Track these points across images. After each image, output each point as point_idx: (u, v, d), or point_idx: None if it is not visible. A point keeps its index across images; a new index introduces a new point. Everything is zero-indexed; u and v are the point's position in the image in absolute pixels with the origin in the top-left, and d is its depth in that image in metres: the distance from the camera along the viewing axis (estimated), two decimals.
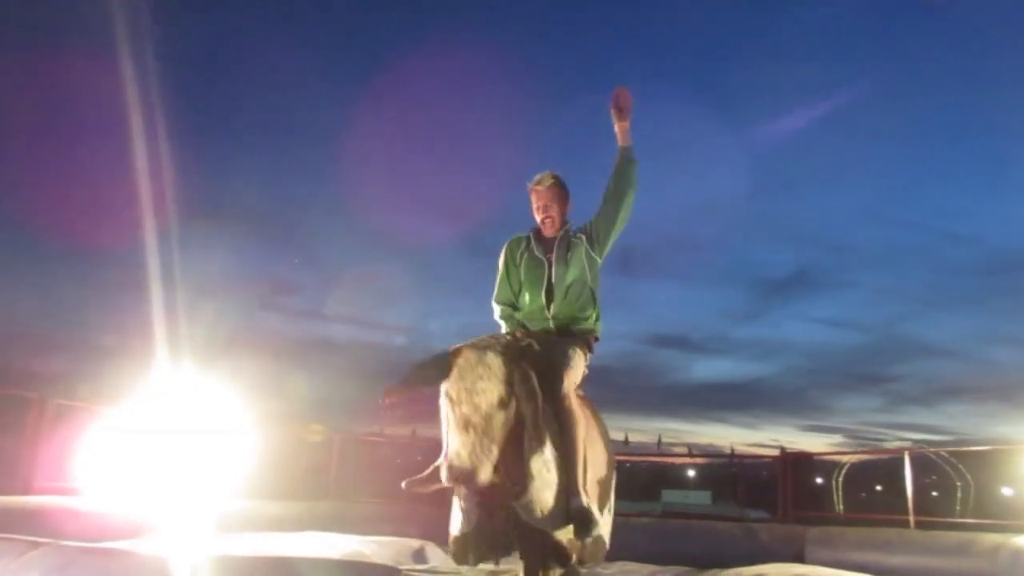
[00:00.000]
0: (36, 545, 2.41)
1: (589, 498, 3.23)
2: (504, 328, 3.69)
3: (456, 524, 3.24)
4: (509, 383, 2.80)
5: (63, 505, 5.12)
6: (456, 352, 2.86)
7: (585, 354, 3.53)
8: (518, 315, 3.67)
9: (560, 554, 3.32)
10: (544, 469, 3.08)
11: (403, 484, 3.09)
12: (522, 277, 3.65)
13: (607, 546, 3.63)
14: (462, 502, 3.17)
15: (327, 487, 8.02)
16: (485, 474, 2.66)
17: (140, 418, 5.90)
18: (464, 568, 4.67)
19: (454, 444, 2.70)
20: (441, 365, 2.86)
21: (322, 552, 4.73)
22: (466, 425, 2.71)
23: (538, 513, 3.07)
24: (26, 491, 5.46)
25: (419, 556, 5.40)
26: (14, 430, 5.91)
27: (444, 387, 2.83)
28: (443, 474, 2.70)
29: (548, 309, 3.55)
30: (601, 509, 3.47)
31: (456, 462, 2.64)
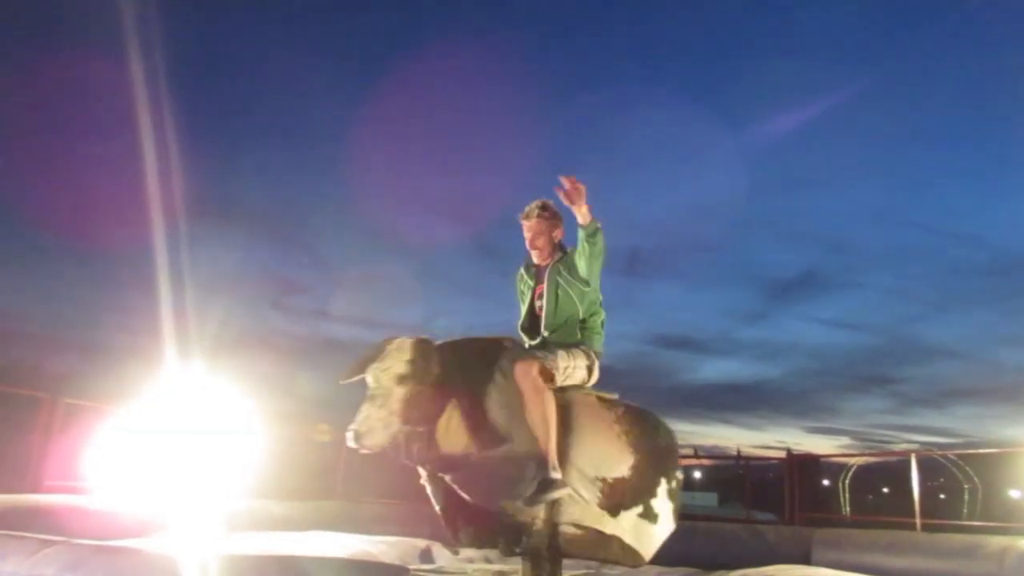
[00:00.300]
0: (48, 543, 2.44)
1: (571, 477, 3.40)
2: None
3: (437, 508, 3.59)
4: (411, 362, 3.18)
5: (73, 503, 5.15)
6: (388, 340, 3.28)
7: (580, 355, 3.66)
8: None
9: (514, 530, 3.46)
10: (486, 443, 3.32)
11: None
12: (524, 306, 3.94)
13: (640, 554, 3.73)
14: (427, 484, 3.55)
15: (335, 487, 8.04)
16: (376, 439, 3.07)
17: (149, 417, 5.94)
18: (470, 567, 4.70)
19: (359, 414, 3.10)
20: (375, 351, 3.26)
21: (330, 551, 4.75)
22: (370, 397, 3.15)
23: (473, 485, 3.38)
24: (37, 489, 5.50)
25: (426, 556, 5.42)
26: (25, 429, 5.96)
27: (368, 369, 3.23)
28: (347, 436, 3.08)
29: (530, 338, 3.82)
30: (618, 510, 3.59)
31: (353, 426, 3.07)
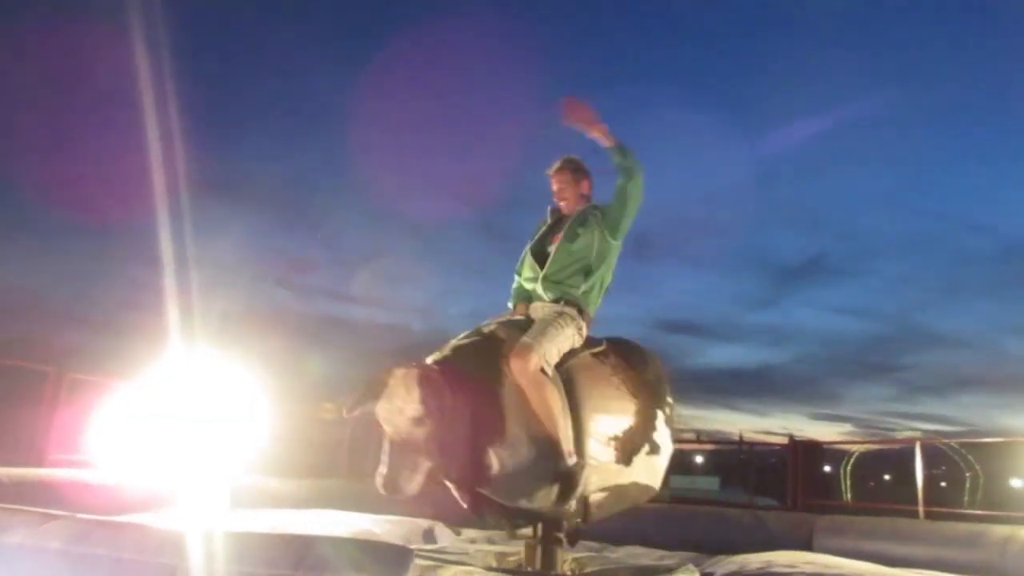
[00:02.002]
0: (52, 517, 2.44)
1: (587, 455, 3.44)
2: (512, 299, 3.96)
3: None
4: (422, 402, 3.03)
5: (78, 478, 5.18)
6: (388, 372, 3.13)
7: (568, 324, 3.59)
8: (523, 284, 3.90)
9: (551, 523, 3.46)
10: (508, 453, 3.26)
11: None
12: (531, 247, 3.90)
13: (652, 487, 3.89)
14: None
15: (339, 466, 8.07)
16: (410, 485, 3.00)
17: (154, 392, 5.95)
18: (472, 548, 4.71)
19: (383, 459, 3.04)
20: (377, 386, 3.13)
21: (333, 530, 4.77)
22: (389, 443, 3.05)
23: (510, 494, 3.33)
24: (41, 463, 5.52)
25: (428, 536, 5.44)
26: (30, 403, 5.97)
27: (376, 409, 3.12)
28: (377, 483, 3.03)
29: (540, 269, 3.75)
30: (630, 457, 3.66)
31: (380, 478, 3.01)
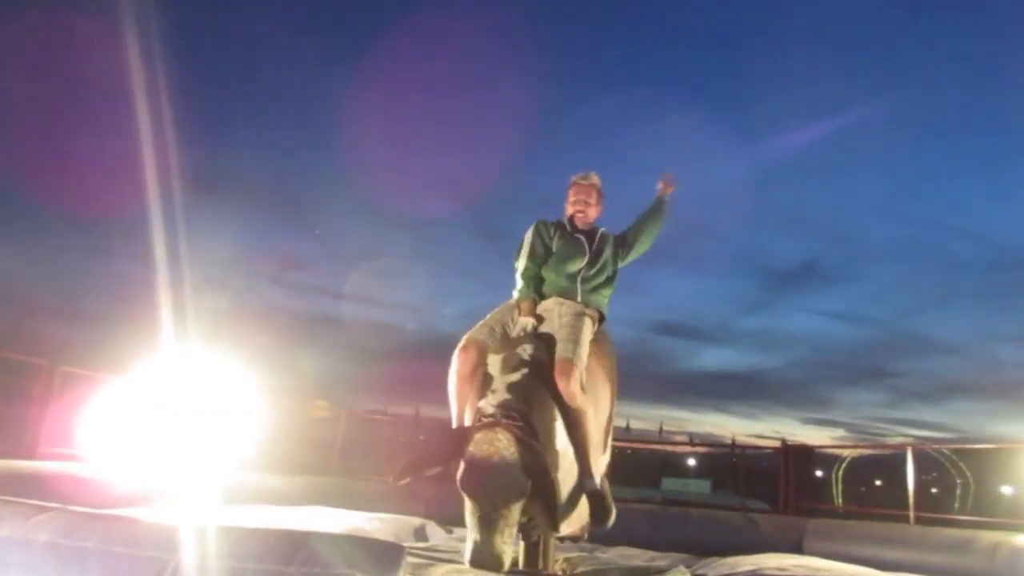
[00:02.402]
0: (43, 509, 2.43)
1: (596, 471, 3.39)
2: (522, 286, 3.72)
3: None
4: (526, 469, 2.77)
5: (69, 471, 5.16)
6: (466, 436, 2.85)
7: (590, 325, 3.61)
8: (544, 288, 3.74)
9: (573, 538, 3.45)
10: (565, 488, 3.20)
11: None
12: (555, 250, 3.79)
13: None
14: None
15: (331, 463, 8.07)
16: (505, 562, 2.71)
17: (147, 387, 5.94)
18: (463, 546, 4.71)
19: (476, 535, 2.73)
20: (453, 448, 2.86)
21: (325, 526, 4.77)
22: (487, 521, 2.73)
23: (564, 525, 3.24)
24: (33, 456, 5.51)
25: (420, 534, 5.44)
26: (22, 396, 5.96)
27: (458, 479, 2.82)
28: (467, 559, 2.74)
29: (586, 269, 3.75)
30: (608, 434, 3.75)
31: (479, 558, 2.69)
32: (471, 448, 2.79)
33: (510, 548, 2.76)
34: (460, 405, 3.35)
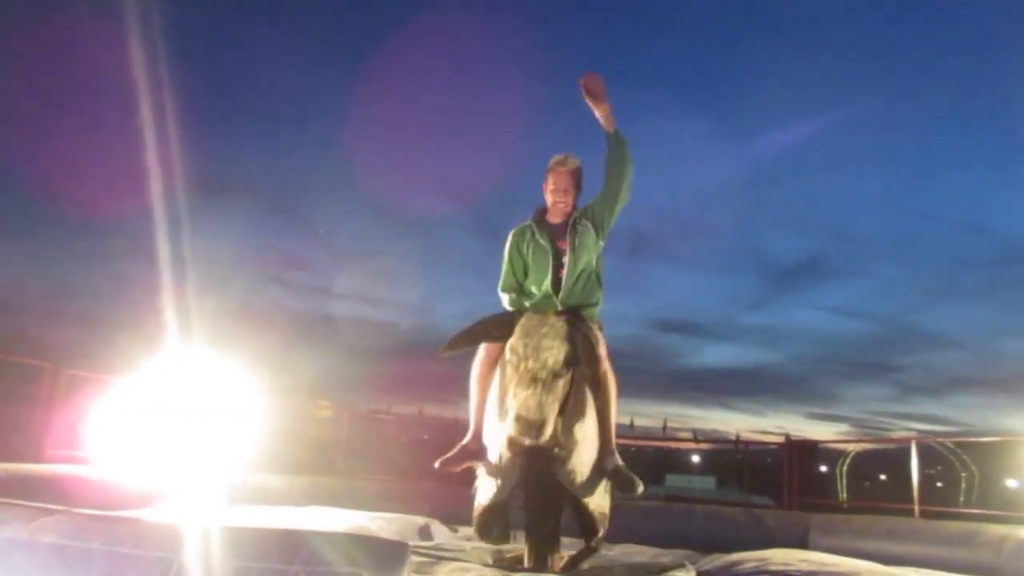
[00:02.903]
0: (48, 511, 2.44)
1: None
2: (505, 300, 3.68)
3: (485, 495, 3.32)
4: (573, 344, 2.90)
5: (74, 473, 5.18)
6: (518, 312, 3.05)
7: (595, 323, 3.58)
8: (526, 302, 3.60)
9: (589, 525, 3.39)
10: (585, 436, 3.18)
11: (436, 464, 3.33)
12: (529, 265, 3.57)
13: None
14: (495, 474, 3.27)
15: (335, 463, 8.08)
16: (549, 429, 2.79)
17: (151, 389, 5.95)
18: (468, 546, 4.72)
19: (522, 398, 2.81)
20: (506, 323, 3.01)
21: (329, 526, 4.77)
22: (533, 380, 2.82)
23: (577, 481, 3.18)
24: (38, 459, 5.52)
25: (424, 533, 5.44)
26: (27, 398, 5.97)
27: (510, 342, 2.94)
28: (512, 427, 2.82)
29: (556, 296, 3.49)
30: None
31: (526, 414, 2.76)
32: (523, 319, 3.02)
33: (552, 419, 2.83)
34: (480, 395, 3.43)
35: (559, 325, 2.92)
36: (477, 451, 3.44)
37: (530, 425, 2.74)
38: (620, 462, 3.31)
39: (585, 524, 3.40)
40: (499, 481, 3.21)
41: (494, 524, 3.48)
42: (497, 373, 3.34)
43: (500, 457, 3.21)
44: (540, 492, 3.19)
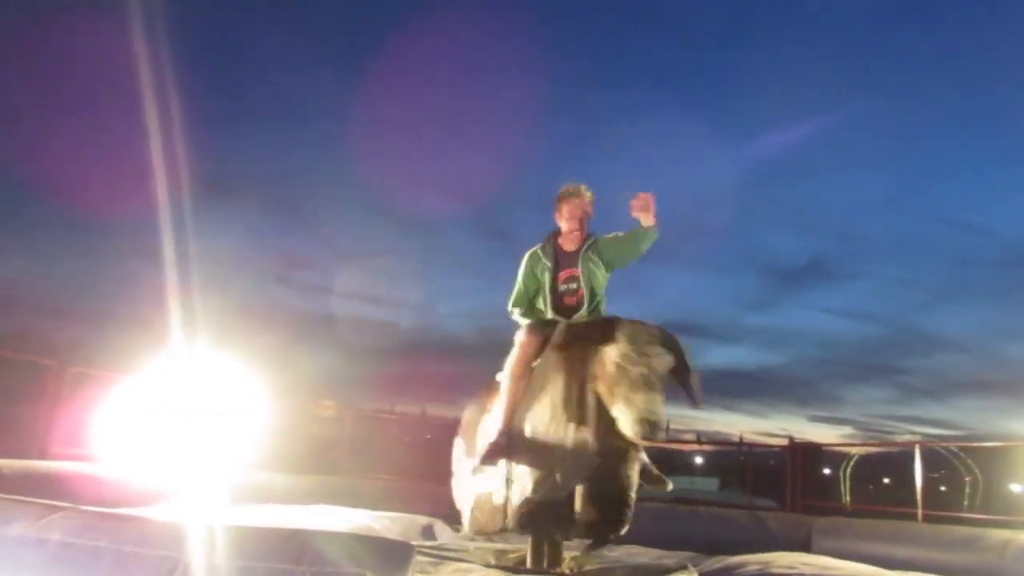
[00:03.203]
0: (54, 509, 2.45)
1: None
2: (518, 313, 3.97)
3: (528, 489, 3.39)
4: (672, 351, 3.15)
5: (80, 471, 5.20)
6: (616, 319, 3.26)
7: None
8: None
9: (622, 519, 3.44)
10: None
11: (476, 463, 3.55)
12: (545, 289, 3.85)
13: None
14: (546, 468, 3.34)
15: (338, 462, 8.09)
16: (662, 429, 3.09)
17: (156, 387, 5.97)
18: (471, 545, 4.72)
19: (644, 400, 3.02)
20: (606, 329, 3.22)
21: (333, 525, 4.78)
22: (648, 383, 3.05)
23: (635, 478, 3.38)
24: (44, 456, 5.54)
25: (428, 533, 5.45)
26: (33, 396, 5.99)
27: (617, 348, 3.14)
28: (634, 429, 3.01)
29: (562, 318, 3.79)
30: None
31: (651, 416, 2.99)
32: (623, 324, 3.26)
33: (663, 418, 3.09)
34: (515, 393, 3.58)
35: (656, 332, 3.16)
36: (508, 447, 3.54)
37: (654, 427, 2.98)
38: (648, 460, 3.49)
39: (620, 518, 3.46)
40: (559, 477, 3.30)
41: (549, 518, 3.52)
42: (544, 374, 3.51)
43: (559, 453, 3.30)
44: (612, 488, 3.32)
